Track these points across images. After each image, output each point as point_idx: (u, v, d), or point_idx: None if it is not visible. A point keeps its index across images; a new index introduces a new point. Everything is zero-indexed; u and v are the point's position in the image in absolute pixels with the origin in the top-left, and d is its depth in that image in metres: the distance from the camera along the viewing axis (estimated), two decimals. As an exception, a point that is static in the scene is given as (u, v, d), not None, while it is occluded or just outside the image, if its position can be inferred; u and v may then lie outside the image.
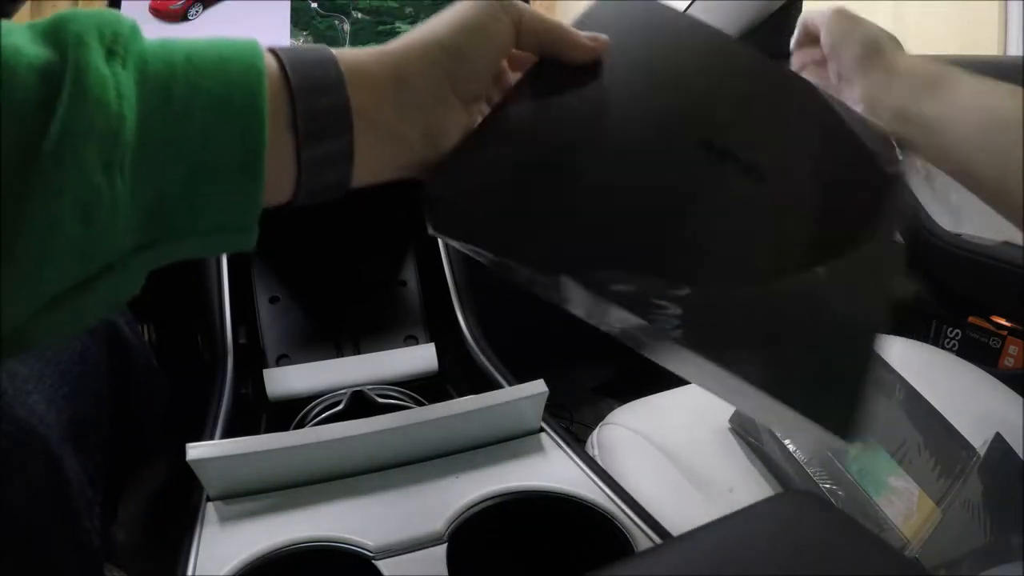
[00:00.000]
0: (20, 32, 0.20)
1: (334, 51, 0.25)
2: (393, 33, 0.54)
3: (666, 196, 0.29)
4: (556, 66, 0.31)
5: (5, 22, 0.19)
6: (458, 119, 0.28)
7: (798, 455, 0.54)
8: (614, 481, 0.49)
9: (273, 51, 0.24)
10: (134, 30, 0.21)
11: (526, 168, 0.28)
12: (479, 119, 0.29)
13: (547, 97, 0.30)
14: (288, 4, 0.51)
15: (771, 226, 0.30)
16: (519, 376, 0.61)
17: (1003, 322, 0.87)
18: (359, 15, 0.53)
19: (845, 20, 0.45)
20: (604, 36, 0.31)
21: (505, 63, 0.31)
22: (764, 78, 0.37)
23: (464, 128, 0.28)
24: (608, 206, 0.28)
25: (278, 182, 0.24)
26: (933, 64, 0.40)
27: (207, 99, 0.21)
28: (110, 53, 0.20)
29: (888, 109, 0.39)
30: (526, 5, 0.29)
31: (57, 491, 0.35)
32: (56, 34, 0.20)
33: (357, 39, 0.53)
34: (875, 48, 0.42)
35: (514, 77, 0.32)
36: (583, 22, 0.33)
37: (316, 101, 0.23)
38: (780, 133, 0.34)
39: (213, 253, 0.24)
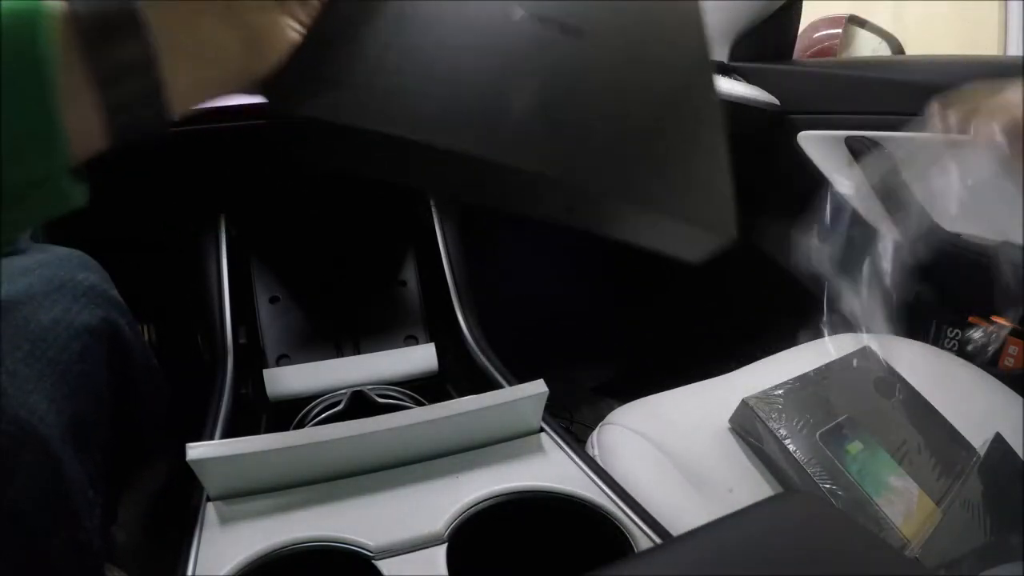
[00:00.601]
0: None
1: None
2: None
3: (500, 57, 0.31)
4: None
5: None
6: (276, 19, 0.26)
7: (798, 455, 0.54)
8: (614, 481, 0.49)
9: None
10: None
11: (365, 49, 0.29)
12: (301, 19, 0.27)
13: None
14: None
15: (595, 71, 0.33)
16: (519, 376, 0.61)
17: (1003, 322, 0.87)
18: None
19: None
20: None
21: None
22: None
23: (285, 28, 0.27)
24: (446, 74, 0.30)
25: (82, 128, 0.22)
26: None
27: None
28: None
29: None
30: None
31: (57, 491, 0.35)
32: None
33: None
34: None
35: None
36: None
37: (110, 39, 0.22)
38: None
39: (37, 216, 0.23)
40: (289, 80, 0.27)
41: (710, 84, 0.36)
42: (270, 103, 0.28)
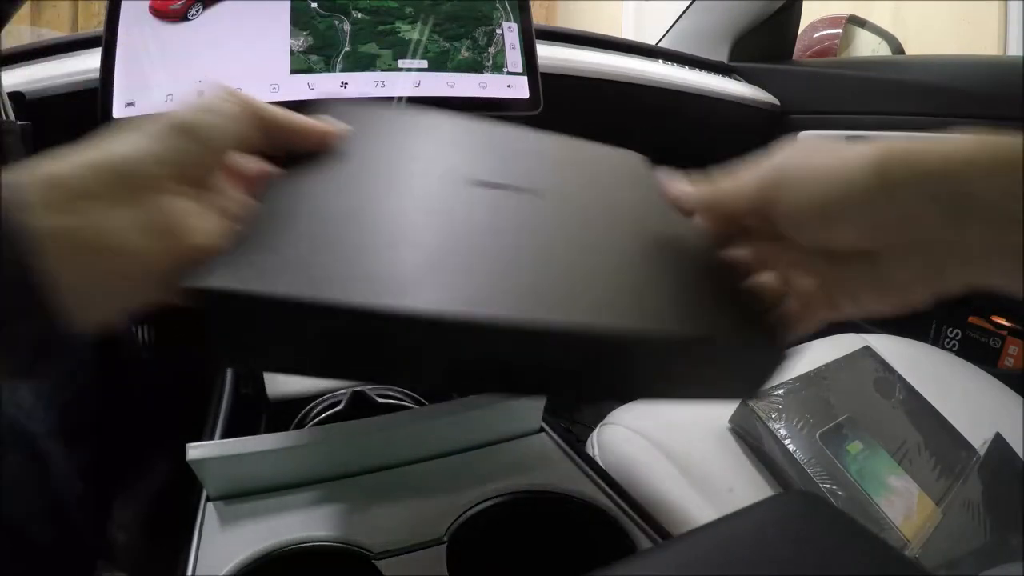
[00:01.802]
0: None
1: (22, 176, 0.20)
2: (393, 33, 0.54)
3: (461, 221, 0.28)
4: (308, 156, 0.30)
5: None
6: (186, 206, 0.23)
7: (798, 455, 0.54)
8: (614, 481, 0.49)
9: None
10: None
11: (313, 232, 0.25)
12: (214, 212, 0.24)
13: (312, 176, 0.29)
14: (288, 4, 0.51)
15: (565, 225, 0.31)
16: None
17: (1003, 322, 0.87)
18: (359, 15, 0.53)
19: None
20: (341, 124, 0.30)
21: (243, 160, 0.27)
22: (521, 138, 0.38)
23: (197, 216, 0.23)
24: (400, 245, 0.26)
25: None
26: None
27: None
28: None
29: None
30: (261, 102, 0.27)
31: (46, 487, 0.35)
32: None
33: (357, 39, 0.53)
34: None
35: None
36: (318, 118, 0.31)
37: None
38: (547, 167, 0.36)
39: None
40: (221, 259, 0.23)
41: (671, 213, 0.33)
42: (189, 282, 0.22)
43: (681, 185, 0.31)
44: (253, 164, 0.28)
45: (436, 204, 0.29)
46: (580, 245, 0.29)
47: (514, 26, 0.59)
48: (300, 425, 0.60)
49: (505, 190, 0.31)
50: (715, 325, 0.26)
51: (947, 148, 0.21)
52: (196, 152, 0.24)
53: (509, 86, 0.58)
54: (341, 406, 0.59)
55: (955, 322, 0.91)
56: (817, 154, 0.24)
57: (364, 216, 0.27)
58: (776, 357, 0.28)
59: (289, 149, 0.29)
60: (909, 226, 0.22)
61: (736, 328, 0.27)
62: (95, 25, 2.19)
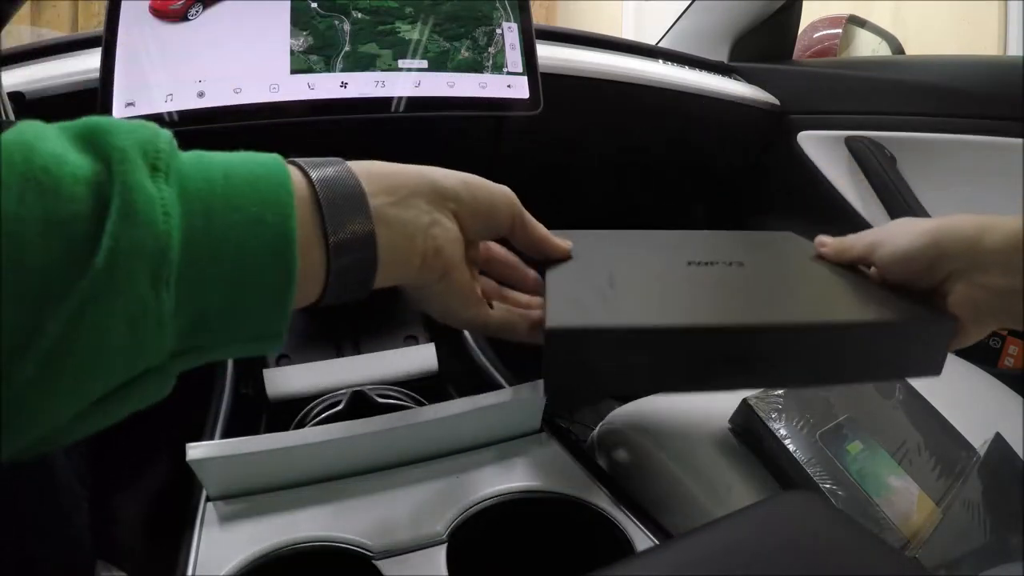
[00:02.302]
0: (56, 138, 0.20)
1: (353, 166, 0.27)
2: (393, 33, 0.54)
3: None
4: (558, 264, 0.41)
5: (32, 124, 0.19)
6: (456, 253, 0.31)
7: (798, 455, 0.54)
8: (613, 481, 0.49)
9: (298, 165, 0.26)
10: (171, 144, 0.21)
11: (605, 287, 0.36)
12: (466, 276, 0.33)
13: (584, 256, 0.41)
14: (288, 4, 0.51)
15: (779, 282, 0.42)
16: (519, 376, 0.61)
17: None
18: (359, 15, 0.53)
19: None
20: (569, 241, 0.41)
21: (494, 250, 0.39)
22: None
23: (456, 269, 0.32)
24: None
25: (308, 290, 0.26)
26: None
27: (243, 217, 0.21)
28: (153, 169, 0.20)
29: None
30: (519, 204, 0.36)
31: (43, 486, 0.35)
32: (96, 144, 0.20)
33: (357, 39, 0.53)
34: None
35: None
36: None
37: (342, 219, 0.25)
38: (733, 248, 0.48)
39: (244, 355, 0.25)
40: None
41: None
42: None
43: (824, 238, 0.44)
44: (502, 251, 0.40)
45: (678, 278, 0.40)
46: (791, 281, 0.41)
47: (514, 26, 0.59)
48: (300, 425, 0.60)
49: (716, 265, 0.41)
50: (903, 311, 0.35)
51: (968, 226, 0.34)
52: (476, 216, 0.33)
53: (509, 86, 0.58)
54: (341, 406, 0.59)
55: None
56: (899, 226, 0.38)
57: (631, 280, 0.38)
58: (948, 328, 0.36)
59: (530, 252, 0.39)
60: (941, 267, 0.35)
61: (917, 311, 0.35)
62: (95, 25, 2.19)
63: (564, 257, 0.40)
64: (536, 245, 0.38)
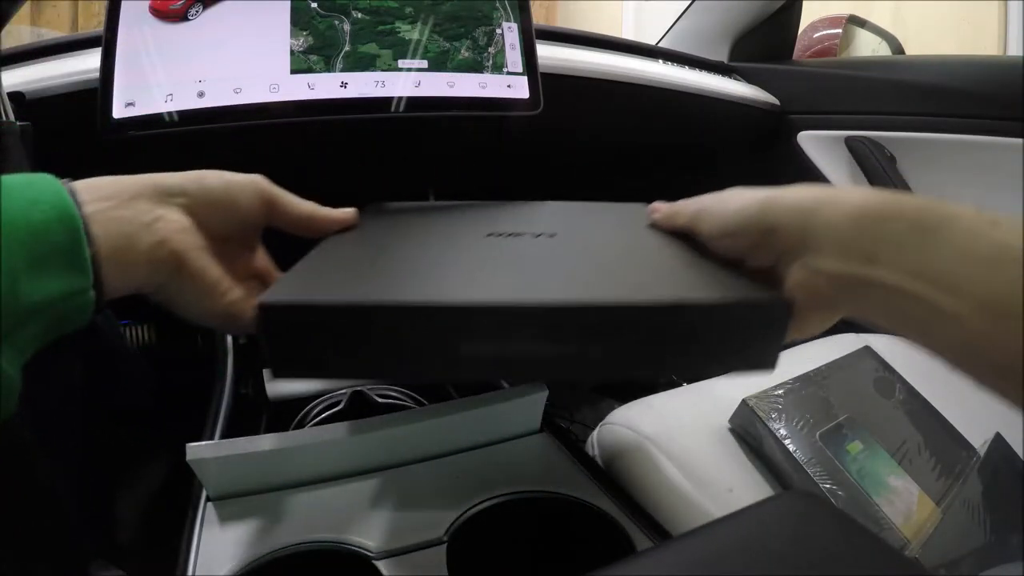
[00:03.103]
0: None
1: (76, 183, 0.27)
2: (393, 33, 0.54)
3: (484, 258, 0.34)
4: (336, 234, 0.38)
5: None
6: (186, 242, 0.30)
7: (798, 455, 0.54)
8: (613, 481, 0.49)
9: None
10: None
11: (364, 261, 0.33)
12: (204, 265, 0.31)
13: (371, 228, 0.38)
14: (288, 4, 0.51)
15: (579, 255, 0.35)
16: (519, 376, 0.61)
17: None
18: (359, 15, 0.53)
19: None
20: (351, 211, 0.39)
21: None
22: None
23: (190, 260, 0.30)
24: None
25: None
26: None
27: (26, 202, 0.24)
28: None
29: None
30: (272, 186, 0.35)
31: (31, 485, 0.34)
32: None
33: (357, 39, 0.53)
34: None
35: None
36: None
37: None
38: (557, 220, 0.42)
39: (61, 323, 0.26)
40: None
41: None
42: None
43: (658, 204, 0.39)
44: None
45: (461, 250, 0.35)
46: (601, 254, 0.35)
47: (514, 26, 0.59)
48: (300, 425, 0.60)
49: (521, 236, 0.36)
50: (731, 289, 0.29)
51: (798, 196, 0.29)
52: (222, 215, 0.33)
53: (509, 86, 0.58)
54: (341, 406, 0.59)
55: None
56: (731, 193, 0.33)
57: (401, 253, 0.33)
58: (780, 314, 0.30)
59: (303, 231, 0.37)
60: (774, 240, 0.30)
61: (740, 291, 0.30)
62: (95, 25, 2.18)
63: (338, 226, 0.38)
64: (303, 223, 0.36)
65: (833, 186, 0.29)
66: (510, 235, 0.36)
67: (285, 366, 0.28)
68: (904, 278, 0.25)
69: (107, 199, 0.27)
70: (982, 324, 0.24)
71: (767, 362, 0.31)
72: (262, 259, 0.38)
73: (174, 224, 0.29)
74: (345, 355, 0.28)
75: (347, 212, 0.39)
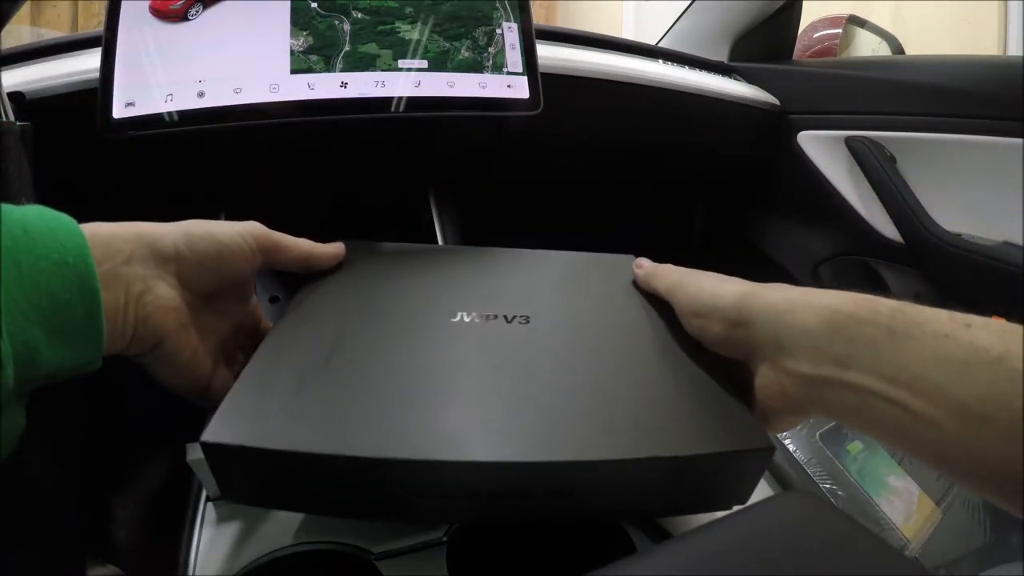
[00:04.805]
0: None
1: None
2: (393, 33, 0.54)
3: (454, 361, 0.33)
4: (307, 293, 0.38)
5: None
6: (168, 322, 0.30)
7: (798, 455, 0.54)
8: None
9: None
10: None
11: (314, 371, 0.31)
12: (182, 345, 0.31)
13: (327, 299, 0.38)
14: (288, 4, 0.51)
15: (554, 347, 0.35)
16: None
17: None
18: (359, 15, 0.53)
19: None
20: (340, 245, 0.41)
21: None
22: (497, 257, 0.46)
23: (169, 339, 0.30)
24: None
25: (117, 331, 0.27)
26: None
27: (49, 263, 0.24)
28: None
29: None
30: (269, 233, 0.35)
31: (27, 482, 0.35)
32: None
33: (357, 39, 0.53)
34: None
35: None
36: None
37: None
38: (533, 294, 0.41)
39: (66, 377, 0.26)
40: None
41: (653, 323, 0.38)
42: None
43: (642, 261, 0.41)
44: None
45: (417, 357, 0.33)
46: (570, 366, 0.33)
47: (514, 26, 0.59)
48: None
49: (491, 321, 0.35)
50: (710, 436, 0.29)
51: (773, 299, 0.29)
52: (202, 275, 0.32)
53: (509, 86, 0.58)
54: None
55: (955, 322, 0.91)
56: (707, 278, 0.34)
57: (350, 368, 0.31)
58: (766, 458, 0.30)
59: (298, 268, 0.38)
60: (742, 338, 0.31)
61: (728, 438, 0.29)
62: (95, 25, 2.19)
63: (334, 261, 0.40)
64: (303, 263, 0.38)
65: (807, 289, 0.29)
66: (480, 318, 0.36)
67: (231, 493, 0.29)
68: (878, 382, 0.25)
69: (110, 258, 0.28)
70: (958, 428, 0.23)
71: (741, 499, 0.32)
72: (253, 311, 0.38)
73: (162, 301, 0.29)
74: (286, 492, 0.29)
75: (339, 248, 0.41)
